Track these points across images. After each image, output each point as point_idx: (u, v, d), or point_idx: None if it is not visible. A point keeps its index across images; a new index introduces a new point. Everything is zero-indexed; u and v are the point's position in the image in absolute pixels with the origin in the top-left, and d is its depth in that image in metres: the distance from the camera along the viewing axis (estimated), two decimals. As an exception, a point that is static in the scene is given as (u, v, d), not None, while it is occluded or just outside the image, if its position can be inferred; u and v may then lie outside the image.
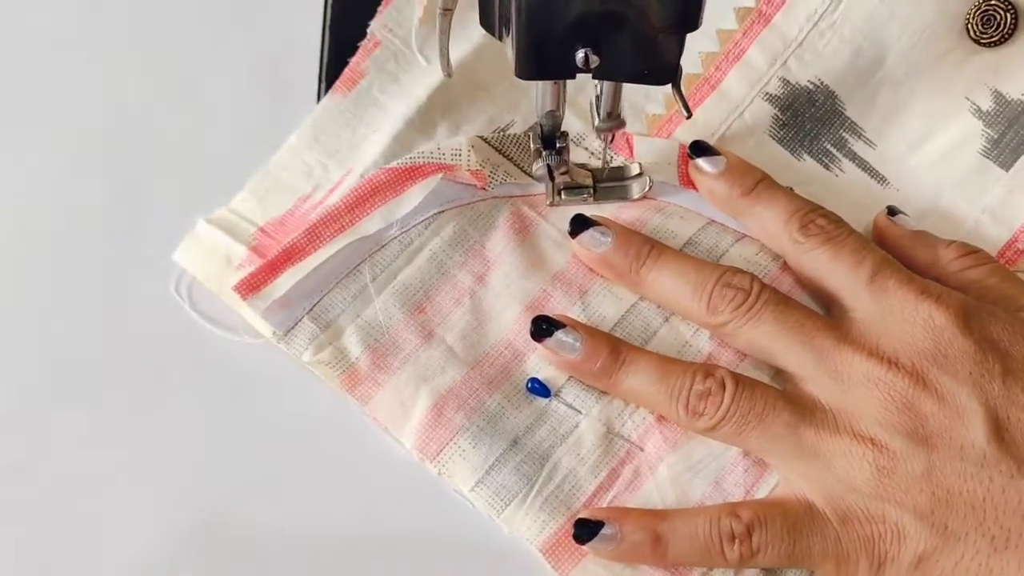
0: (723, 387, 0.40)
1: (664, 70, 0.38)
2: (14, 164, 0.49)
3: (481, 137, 0.47)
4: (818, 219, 0.43)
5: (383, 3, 0.49)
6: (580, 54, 0.36)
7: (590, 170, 0.47)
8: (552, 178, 0.46)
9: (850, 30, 0.48)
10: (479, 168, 0.46)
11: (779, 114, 0.48)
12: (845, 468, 0.39)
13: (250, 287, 0.44)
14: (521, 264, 0.45)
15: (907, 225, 0.45)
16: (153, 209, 0.48)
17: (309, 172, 0.47)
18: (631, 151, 0.47)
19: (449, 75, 0.42)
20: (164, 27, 0.51)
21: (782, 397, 0.40)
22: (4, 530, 0.43)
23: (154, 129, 0.49)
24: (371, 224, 0.45)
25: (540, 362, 0.43)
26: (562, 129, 0.44)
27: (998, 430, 0.38)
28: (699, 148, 0.45)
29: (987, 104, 0.47)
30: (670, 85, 0.39)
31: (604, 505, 0.41)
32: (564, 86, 0.41)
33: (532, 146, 0.45)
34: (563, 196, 0.46)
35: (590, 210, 0.45)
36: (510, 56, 0.37)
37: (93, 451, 0.44)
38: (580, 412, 0.43)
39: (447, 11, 0.40)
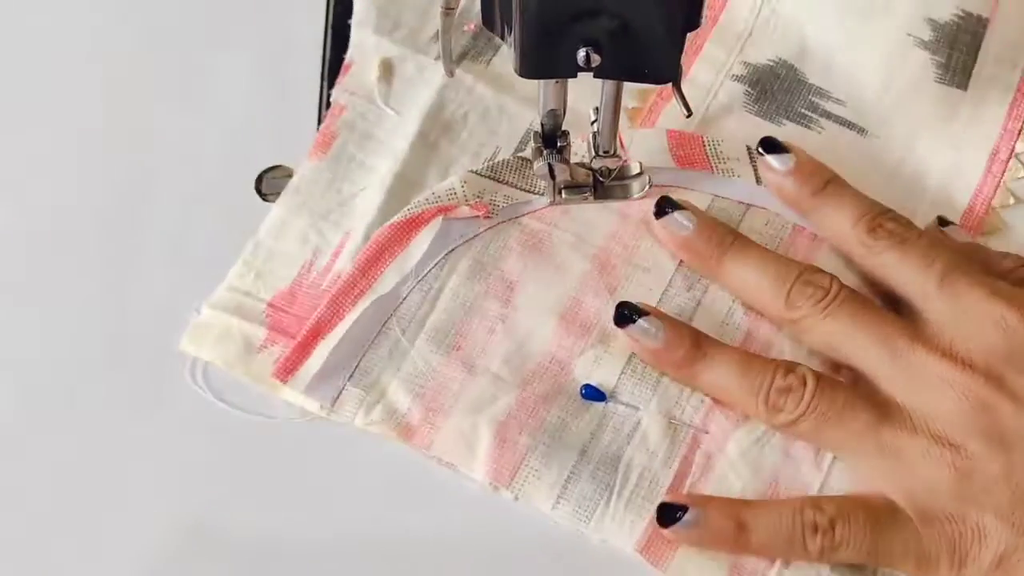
0: (804, 383, 0.41)
1: (664, 69, 0.38)
2: (13, 165, 0.49)
3: (472, 171, 0.47)
4: (887, 222, 0.43)
5: (341, 72, 0.50)
6: (581, 53, 0.37)
7: (591, 169, 0.47)
8: (553, 177, 0.46)
9: (791, 9, 0.50)
10: (478, 200, 0.46)
11: (749, 89, 0.50)
12: (924, 469, 0.39)
13: (287, 370, 0.43)
14: (544, 277, 0.45)
15: (959, 237, 0.45)
16: (154, 210, 0.48)
17: (304, 238, 0.47)
18: (621, 143, 0.48)
19: (451, 74, 0.42)
20: (165, 26, 0.52)
21: (861, 396, 0.41)
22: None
23: (155, 128, 0.50)
24: (387, 282, 0.45)
25: (587, 367, 0.43)
26: (563, 128, 0.44)
27: None
28: (769, 145, 0.46)
29: (927, 34, 0.49)
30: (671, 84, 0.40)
31: (685, 490, 0.41)
32: (565, 85, 0.42)
33: (532, 145, 0.46)
34: (563, 195, 0.47)
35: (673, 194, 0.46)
36: (512, 55, 0.38)
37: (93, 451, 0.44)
38: (639, 408, 0.43)
39: (449, 11, 0.40)
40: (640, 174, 0.47)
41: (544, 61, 0.38)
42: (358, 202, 0.48)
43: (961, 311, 0.40)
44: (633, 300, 0.44)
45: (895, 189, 0.47)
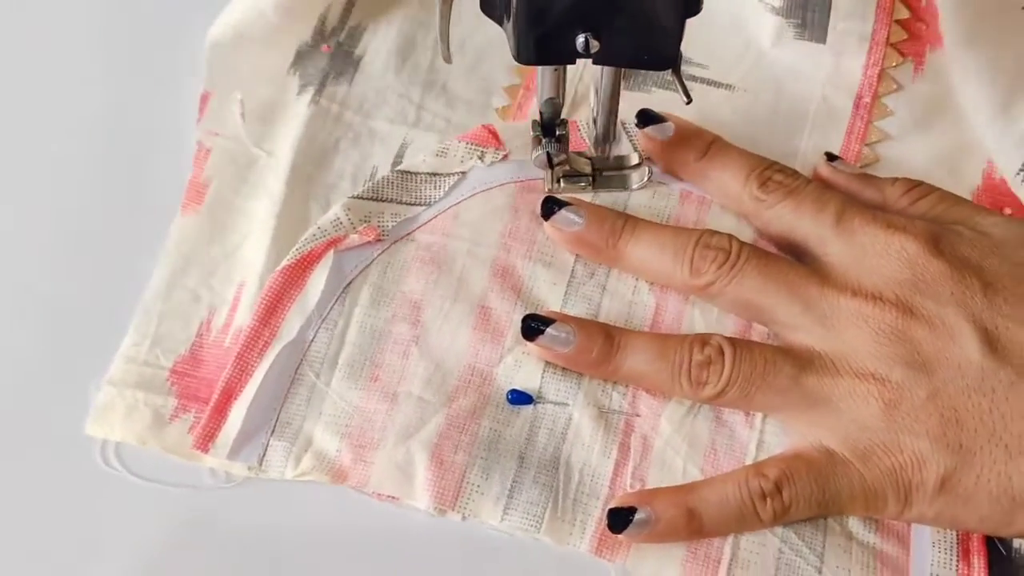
0: (722, 353, 0.41)
1: (664, 55, 0.38)
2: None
3: (353, 196, 0.46)
4: (775, 174, 0.44)
5: (199, 112, 0.49)
6: (580, 39, 0.37)
7: (589, 158, 0.47)
8: (551, 166, 0.45)
9: None
10: (365, 224, 0.45)
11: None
12: (853, 408, 0.39)
13: (207, 438, 0.42)
14: (448, 291, 0.44)
15: (847, 170, 0.46)
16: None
17: (196, 297, 0.45)
18: (497, 140, 0.47)
19: (449, 60, 0.41)
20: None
21: (779, 352, 0.41)
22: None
23: (139, 124, 0.50)
24: (291, 328, 0.44)
25: (509, 372, 0.43)
26: (562, 116, 0.44)
27: (990, 342, 0.39)
28: (646, 117, 0.46)
29: (777, 1, 0.50)
30: (670, 70, 0.39)
31: (628, 480, 0.41)
32: (564, 72, 0.41)
33: (532, 133, 0.45)
34: (562, 184, 0.47)
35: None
36: (510, 41, 0.37)
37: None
38: (567, 404, 0.42)
39: None
40: (639, 164, 0.47)
41: (542, 47, 0.37)
42: (245, 250, 0.46)
43: (861, 249, 0.41)
44: (539, 297, 0.44)
45: (772, 138, 0.48)
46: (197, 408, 0.43)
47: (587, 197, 0.46)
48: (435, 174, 0.47)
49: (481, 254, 0.45)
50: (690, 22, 0.48)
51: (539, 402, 0.42)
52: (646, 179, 0.47)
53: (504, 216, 0.46)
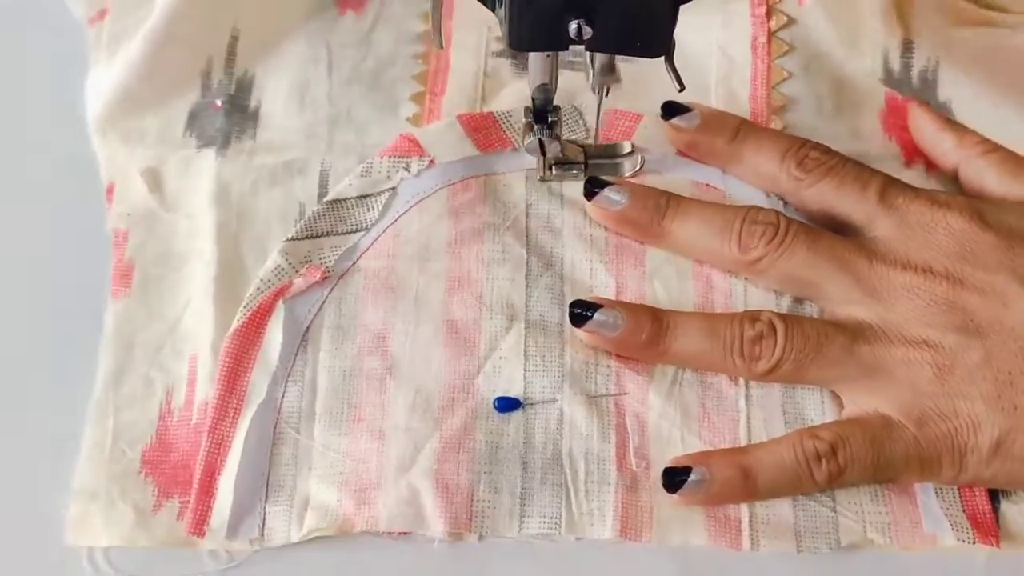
0: (773, 328, 0.41)
1: (657, 42, 0.38)
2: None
3: (288, 239, 0.45)
4: (811, 152, 0.44)
5: (107, 198, 0.47)
6: (573, 25, 0.36)
7: (581, 146, 0.46)
8: (543, 153, 0.44)
9: None
10: (307, 264, 0.44)
11: (514, 60, 0.50)
12: (908, 375, 0.40)
13: (199, 523, 0.40)
14: (408, 315, 0.43)
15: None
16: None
17: (149, 380, 0.43)
18: (419, 147, 0.46)
19: (441, 47, 0.41)
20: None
21: (830, 324, 0.41)
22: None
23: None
24: (258, 389, 0.42)
25: (490, 381, 0.42)
26: (554, 103, 0.43)
27: None
28: (671, 109, 0.46)
29: None
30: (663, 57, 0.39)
31: (632, 460, 0.41)
32: (556, 59, 0.41)
33: (524, 120, 0.44)
34: (554, 171, 0.46)
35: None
36: (503, 27, 0.37)
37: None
38: (556, 399, 0.42)
39: None
40: (631, 152, 0.46)
41: (535, 33, 0.37)
42: (189, 321, 0.44)
43: (907, 225, 0.41)
44: (502, 298, 0.43)
45: (685, 97, 0.48)
46: (180, 493, 0.41)
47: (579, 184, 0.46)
48: (365, 196, 0.46)
49: (432, 268, 0.44)
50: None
51: (527, 404, 0.42)
52: (638, 167, 0.46)
53: (445, 223, 0.45)
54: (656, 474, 0.40)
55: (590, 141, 0.46)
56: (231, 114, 0.48)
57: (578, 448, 0.41)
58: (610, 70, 0.41)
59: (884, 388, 0.40)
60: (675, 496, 0.40)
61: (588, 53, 0.42)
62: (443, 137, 0.47)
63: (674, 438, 0.41)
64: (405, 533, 0.40)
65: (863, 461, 0.39)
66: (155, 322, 0.44)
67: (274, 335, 0.43)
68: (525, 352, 0.43)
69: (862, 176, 0.43)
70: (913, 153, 0.48)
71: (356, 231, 0.45)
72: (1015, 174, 0.44)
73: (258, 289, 0.43)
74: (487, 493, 0.40)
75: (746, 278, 0.44)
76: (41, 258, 0.46)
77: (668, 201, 0.44)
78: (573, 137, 0.47)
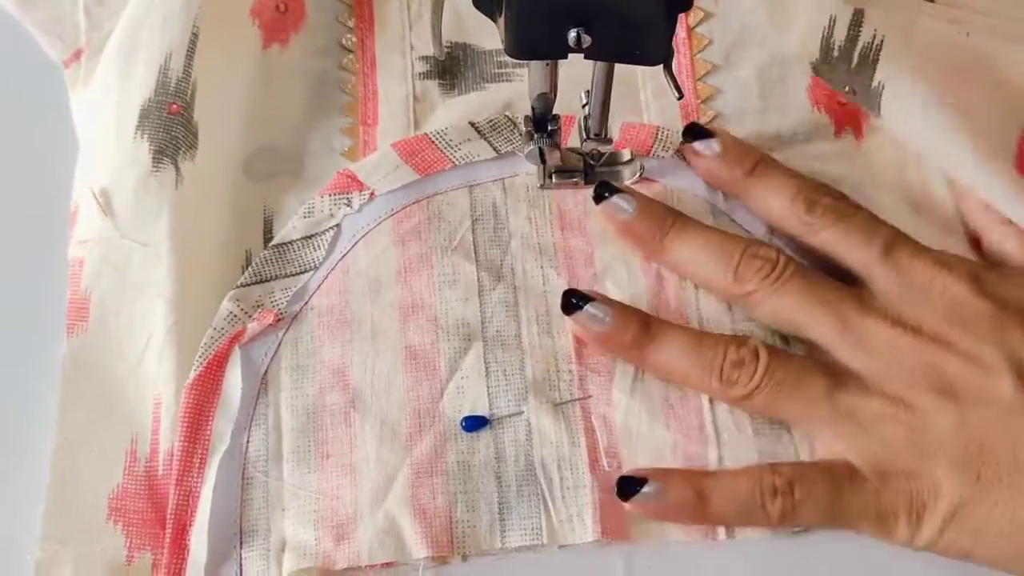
0: (756, 356, 0.41)
1: (656, 50, 0.38)
2: None
3: (237, 286, 0.45)
4: (823, 198, 0.44)
5: (70, 227, 0.46)
6: (572, 34, 0.36)
7: (581, 154, 0.46)
8: (543, 161, 0.45)
9: None
10: (259, 309, 0.44)
11: (441, 80, 0.51)
12: (879, 429, 0.40)
13: None
14: (366, 347, 0.43)
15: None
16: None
17: (114, 423, 0.42)
18: (358, 182, 0.47)
19: (441, 55, 0.41)
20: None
21: (814, 364, 0.41)
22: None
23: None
24: (222, 436, 0.42)
25: (455, 401, 0.42)
26: (554, 112, 0.43)
27: (1023, 378, 0.39)
28: (694, 131, 0.46)
29: None
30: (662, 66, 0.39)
31: (604, 460, 0.41)
32: (556, 67, 0.41)
33: (523, 128, 0.45)
34: (553, 179, 0.46)
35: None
36: (502, 36, 0.37)
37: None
38: (521, 411, 0.42)
39: None
40: (631, 160, 0.47)
41: (534, 42, 0.37)
42: (149, 361, 0.43)
43: (906, 282, 0.42)
44: (457, 319, 0.44)
45: (617, 101, 0.48)
46: (152, 546, 0.41)
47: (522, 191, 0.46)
48: (310, 236, 0.46)
49: (385, 299, 0.44)
50: (488, 23, 0.48)
51: (494, 419, 0.42)
52: (638, 175, 0.47)
53: (393, 253, 0.45)
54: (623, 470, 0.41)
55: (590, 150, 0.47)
56: (185, 124, 0.46)
57: (549, 456, 0.41)
58: (604, 137, 0.43)
59: (854, 437, 0.40)
60: (627, 504, 0.40)
61: (582, 118, 0.44)
62: (380, 168, 0.47)
63: (642, 433, 0.42)
64: (388, 564, 0.40)
65: (818, 504, 0.39)
66: (115, 361, 0.43)
67: (233, 381, 0.43)
68: (486, 369, 0.43)
69: (869, 228, 0.43)
70: (842, 122, 0.49)
71: (305, 271, 0.45)
72: None
73: (212, 337, 0.43)
74: (465, 513, 0.40)
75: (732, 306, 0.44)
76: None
77: (674, 220, 0.44)
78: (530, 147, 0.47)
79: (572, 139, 0.47)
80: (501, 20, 0.37)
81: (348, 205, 0.46)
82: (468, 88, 0.50)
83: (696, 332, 0.43)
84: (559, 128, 0.45)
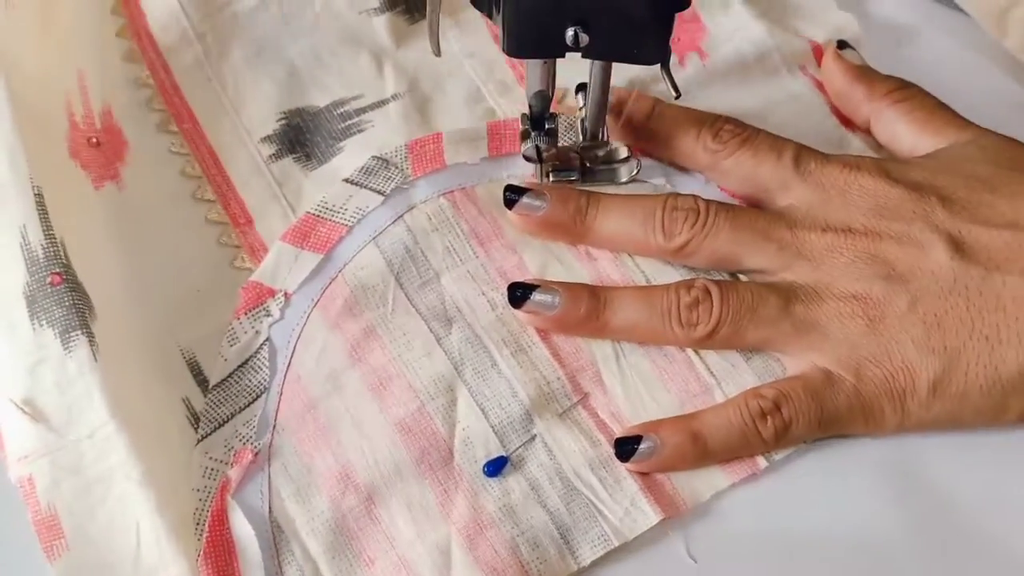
0: (708, 293, 0.41)
1: (653, 50, 0.38)
2: None
3: (200, 440, 0.42)
4: (725, 125, 0.45)
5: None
6: (570, 32, 0.37)
7: (577, 152, 0.46)
8: (540, 159, 0.44)
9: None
10: (232, 452, 0.42)
11: (294, 156, 0.49)
12: (841, 328, 0.41)
13: None
14: (356, 442, 0.42)
15: (855, 59, 0.48)
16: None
17: None
18: (268, 291, 0.45)
19: (438, 54, 0.41)
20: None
21: (764, 286, 0.42)
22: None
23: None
24: None
25: (466, 453, 0.41)
26: (551, 110, 0.43)
27: (957, 246, 0.41)
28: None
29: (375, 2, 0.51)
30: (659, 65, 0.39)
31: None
32: (553, 66, 0.41)
33: (521, 127, 0.44)
34: (551, 178, 0.46)
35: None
36: (501, 34, 0.38)
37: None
38: (533, 435, 0.42)
39: None
40: (628, 158, 0.46)
41: (532, 40, 0.37)
42: (149, 550, 0.39)
43: (822, 189, 0.43)
44: (431, 376, 0.43)
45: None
46: None
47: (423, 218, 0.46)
48: (245, 362, 0.43)
49: (350, 388, 0.43)
50: (314, 69, 0.49)
51: (512, 454, 0.42)
52: (635, 172, 0.46)
53: (335, 341, 0.44)
54: None
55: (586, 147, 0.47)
56: (75, 289, 0.42)
57: (579, 464, 0.42)
58: (600, 140, 0.44)
59: (820, 343, 0.41)
60: (629, 464, 0.41)
61: (579, 120, 0.44)
62: (281, 265, 0.45)
63: (649, 406, 0.42)
64: None
65: (807, 415, 0.41)
66: (115, 565, 0.39)
67: (244, 533, 0.40)
68: (482, 410, 0.42)
69: (776, 145, 0.44)
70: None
71: (257, 398, 0.43)
72: (923, 125, 0.45)
73: (201, 500, 0.40)
74: (531, 552, 0.40)
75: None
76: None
77: (588, 199, 0.44)
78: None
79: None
80: (499, 18, 0.37)
81: (268, 315, 0.44)
82: (325, 154, 0.48)
83: (644, 287, 0.44)
84: (556, 126, 0.44)
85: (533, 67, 0.41)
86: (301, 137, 0.48)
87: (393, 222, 0.46)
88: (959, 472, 0.41)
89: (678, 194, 0.44)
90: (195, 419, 0.43)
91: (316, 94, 0.49)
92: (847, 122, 0.49)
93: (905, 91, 0.46)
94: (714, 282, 0.42)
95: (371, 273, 0.45)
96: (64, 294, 0.41)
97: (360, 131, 0.48)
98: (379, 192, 0.46)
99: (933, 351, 0.40)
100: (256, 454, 0.42)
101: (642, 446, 0.41)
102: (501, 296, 0.44)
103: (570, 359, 0.43)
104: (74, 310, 0.41)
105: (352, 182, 0.46)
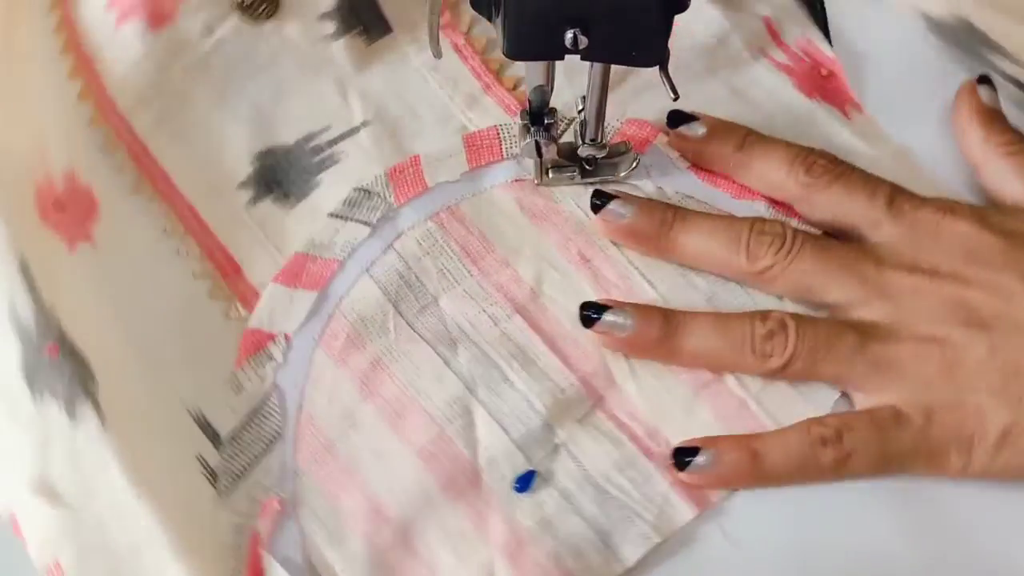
0: (784, 325, 0.41)
1: (652, 52, 0.38)
2: None
3: (221, 497, 0.41)
4: (819, 159, 0.44)
5: (18, 534, 0.40)
6: (569, 35, 0.37)
7: (577, 148, 0.45)
8: (540, 155, 0.44)
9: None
10: (257, 504, 0.41)
11: (272, 197, 0.48)
12: (916, 369, 0.40)
13: None
14: (380, 474, 0.41)
15: (990, 100, 0.46)
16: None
17: None
18: (268, 334, 0.44)
19: (438, 55, 0.41)
20: None
21: (841, 323, 0.42)
22: None
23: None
24: None
25: (496, 472, 0.41)
26: (550, 105, 0.43)
27: None
28: (678, 118, 0.46)
29: (330, 27, 0.49)
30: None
31: (654, 446, 0.42)
32: (553, 63, 0.40)
33: (520, 122, 0.44)
34: (550, 174, 0.46)
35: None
36: (499, 36, 0.38)
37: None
38: (556, 444, 0.42)
39: None
40: (627, 153, 0.46)
41: (531, 42, 0.38)
42: None
43: (913, 230, 0.42)
44: (445, 400, 0.42)
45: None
46: None
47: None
48: (255, 411, 0.43)
49: (366, 422, 0.42)
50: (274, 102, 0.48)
51: (539, 466, 0.42)
52: (634, 166, 0.46)
53: (343, 377, 0.43)
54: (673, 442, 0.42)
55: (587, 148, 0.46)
56: (73, 357, 0.41)
57: (607, 466, 0.42)
58: (600, 144, 0.44)
59: (893, 383, 0.41)
60: (683, 475, 0.41)
61: (578, 123, 0.44)
62: (277, 307, 0.44)
63: (665, 402, 0.42)
64: None
65: (868, 449, 0.40)
66: None
67: None
68: (501, 427, 0.42)
69: (869, 182, 0.44)
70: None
71: (271, 445, 0.42)
72: None
73: (235, 559, 0.40)
74: (575, 562, 0.40)
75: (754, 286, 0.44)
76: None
77: (675, 214, 0.44)
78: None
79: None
80: (498, 20, 0.37)
81: (271, 359, 0.43)
82: (302, 190, 0.47)
83: (720, 315, 0.43)
84: (556, 122, 0.44)
85: (532, 64, 0.41)
86: (276, 177, 0.48)
87: (384, 252, 0.45)
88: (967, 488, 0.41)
89: (765, 219, 0.44)
90: (212, 475, 0.42)
91: (284, 131, 0.48)
92: (810, 91, 0.49)
93: (1021, 145, 0.46)
94: (791, 315, 0.42)
95: (369, 305, 0.44)
96: (63, 364, 0.40)
97: (335, 163, 0.48)
98: (366, 223, 0.46)
99: (1008, 401, 0.40)
100: (282, 502, 0.41)
101: (699, 459, 0.40)
102: (502, 311, 0.44)
103: (580, 364, 0.43)
104: (76, 379, 0.40)
105: (338, 216, 0.46)
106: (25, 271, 0.41)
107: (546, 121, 0.44)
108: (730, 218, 0.44)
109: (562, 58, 0.38)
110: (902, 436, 0.40)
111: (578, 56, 0.38)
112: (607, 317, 0.42)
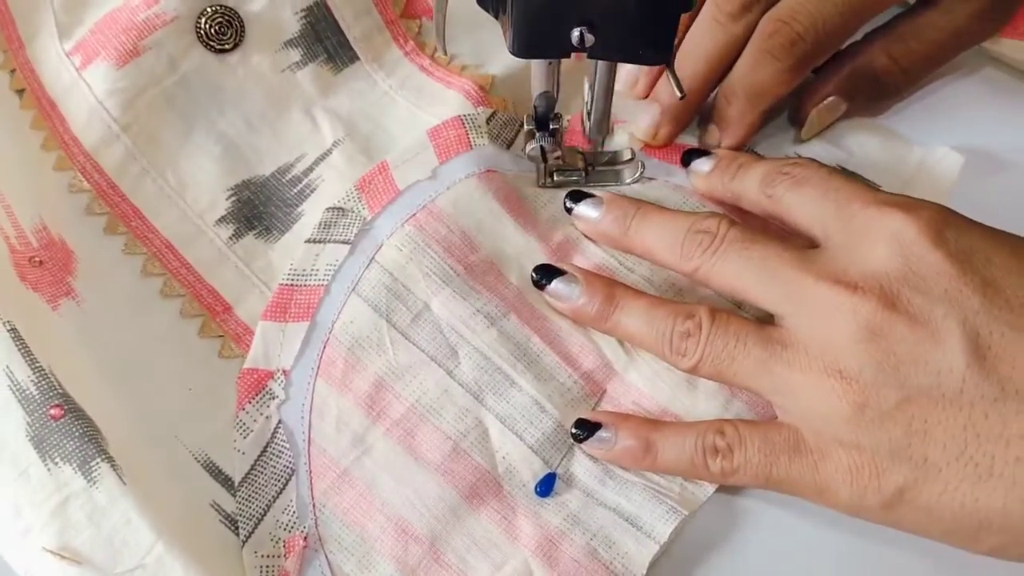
0: (699, 326, 0.40)
1: (657, 50, 0.38)
2: None
3: (243, 542, 0.40)
4: (784, 167, 0.42)
5: None
6: (575, 33, 0.37)
7: (582, 153, 0.46)
8: (544, 160, 0.45)
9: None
10: (281, 543, 0.41)
11: (253, 232, 0.47)
12: (819, 403, 0.37)
13: None
14: (401, 495, 0.41)
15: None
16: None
17: None
18: (266, 371, 0.43)
19: (444, 52, 0.41)
20: None
21: (754, 333, 0.39)
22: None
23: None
24: None
25: (512, 481, 0.41)
26: (556, 111, 0.44)
27: (978, 350, 0.34)
28: (691, 156, 0.46)
29: (297, 56, 0.49)
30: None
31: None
32: (558, 66, 0.41)
33: (525, 127, 0.45)
34: (555, 178, 0.46)
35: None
36: (506, 34, 0.38)
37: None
38: (570, 443, 0.42)
39: None
40: (632, 159, 0.47)
41: (537, 41, 0.38)
42: None
43: (855, 234, 0.38)
44: (455, 413, 0.42)
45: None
46: None
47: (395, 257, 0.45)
48: (264, 450, 0.42)
49: (377, 445, 0.42)
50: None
51: (557, 468, 0.42)
52: (639, 173, 0.46)
53: (346, 403, 0.43)
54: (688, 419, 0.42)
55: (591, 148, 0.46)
56: (79, 417, 0.40)
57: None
58: (605, 127, 0.44)
59: (794, 408, 0.38)
60: (581, 445, 0.42)
61: (584, 111, 0.44)
62: (270, 343, 0.44)
63: (664, 375, 0.43)
64: None
65: (756, 470, 0.39)
66: None
67: None
68: (514, 432, 0.42)
69: (823, 183, 0.41)
70: None
71: (286, 481, 0.42)
72: None
73: None
74: (609, 550, 0.40)
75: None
76: None
77: (636, 212, 0.43)
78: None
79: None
80: (504, 19, 0.37)
81: (273, 397, 0.43)
82: (284, 223, 0.47)
83: (654, 302, 0.42)
84: (561, 127, 0.44)
85: (538, 68, 0.41)
86: (256, 211, 0.47)
87: (366, 267, 0.45)
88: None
89: (711, 214, 0.42)
90: (229, 521, 0.41)
91: (258, 163, 0.48)
92: None
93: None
94: (711, 315, 0.40)
95: (361, 325, 0.44)
96: (71, 425, 0.39)
97: (313, 190, 0.47)
98: (344, 242, 0.45)
99: (910, 459, 0.35)
100: (306, 538, 0.40)
101: (599, 433, 0.41)
102: (494, 308, 0.44)
103: (579, 358, 0.44)
104: (87, 439, 0.39)
105: (315, 240, 0.45)
106: (15, 335, 0.40)
107: (551, 127, 0.44)
108: (679, 214, 0.43)
109: (569, 56, 0.39)
110: (792, 467, 0.38)
111: (585, 55, 0.38)
112: (555, 284, 0.43)
